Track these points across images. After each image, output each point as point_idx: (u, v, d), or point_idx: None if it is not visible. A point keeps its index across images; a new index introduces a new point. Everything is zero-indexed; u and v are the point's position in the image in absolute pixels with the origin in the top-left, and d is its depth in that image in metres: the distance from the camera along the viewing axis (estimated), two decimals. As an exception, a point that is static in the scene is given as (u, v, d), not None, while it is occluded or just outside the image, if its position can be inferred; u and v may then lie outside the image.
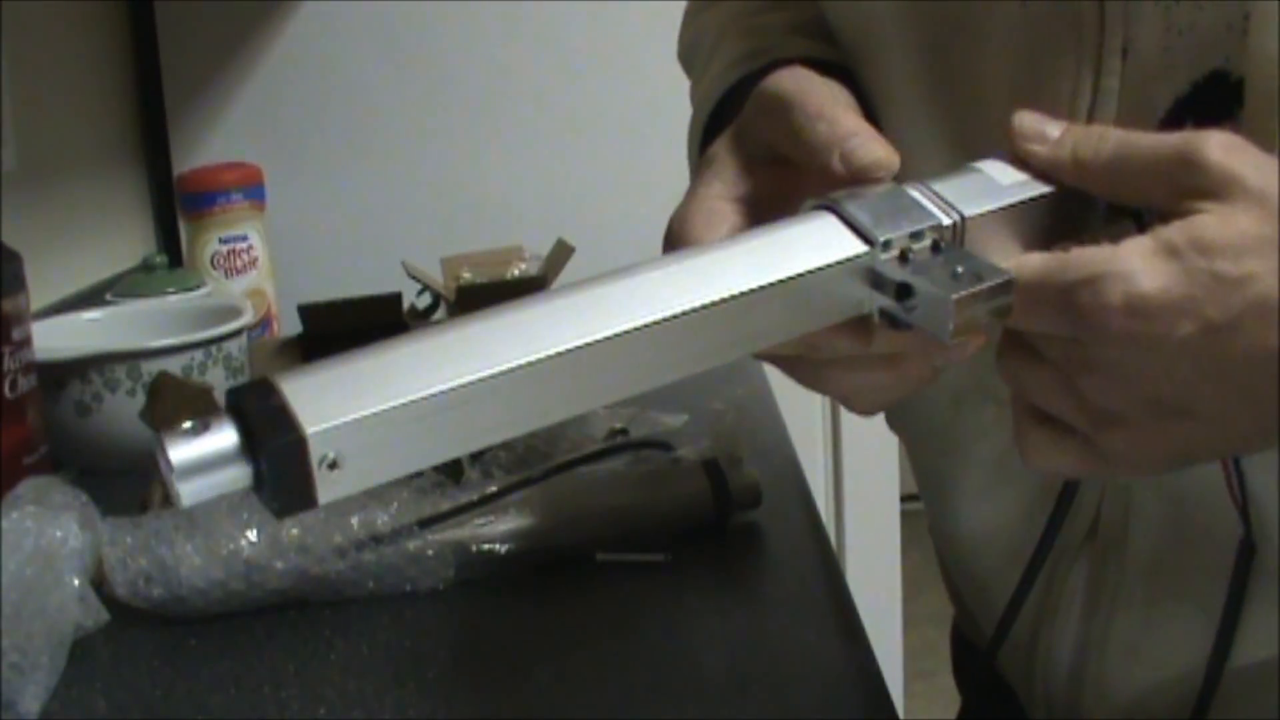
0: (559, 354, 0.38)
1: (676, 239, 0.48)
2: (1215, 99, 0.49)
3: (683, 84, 0.73)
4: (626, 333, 0.39)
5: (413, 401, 0.36)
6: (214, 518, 0.71)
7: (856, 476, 1.83)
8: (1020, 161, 0.45)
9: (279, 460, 0.35)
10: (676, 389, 0.41)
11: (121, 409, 0.97)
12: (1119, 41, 0.51)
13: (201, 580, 0.70)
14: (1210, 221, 0.40)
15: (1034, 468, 0.45)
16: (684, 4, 0.75)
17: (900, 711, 0.63)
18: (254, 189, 1.47)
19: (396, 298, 1.20)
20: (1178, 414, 0.42)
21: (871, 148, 0.45)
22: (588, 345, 0.38)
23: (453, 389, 0.37)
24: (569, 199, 1.66)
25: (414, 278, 1.28)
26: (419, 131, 1.66)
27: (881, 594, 1.84)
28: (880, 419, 0.64)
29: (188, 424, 0.35)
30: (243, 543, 0.71)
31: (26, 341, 0.88)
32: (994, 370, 0.58)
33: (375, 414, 0.36)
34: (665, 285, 0.40)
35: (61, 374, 0.97)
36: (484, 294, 1.19)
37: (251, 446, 0.35)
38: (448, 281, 1.27)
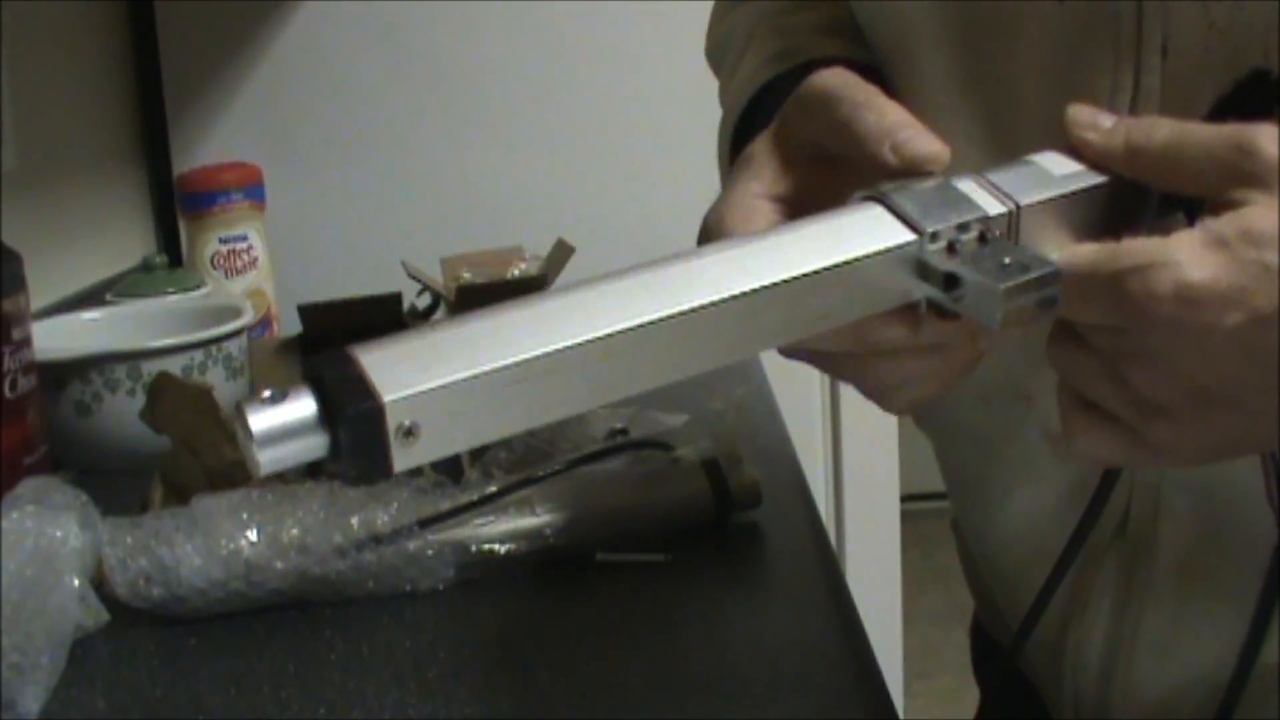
0: (628, 330, 0.39)
1: (714, 236, 0.48)
2: (1257, 97, 0.49)
3: (684, 83, 0.73)
4: (694, 310, 0.40)
5: (489, 372, 0.37)
6: (214, 518, 0.71)
7: (856, 476, 1.83)
8: (1073, 153, 0.46)
9: (356, 428, 0.36)
10: (676, 389, 0.41)
11: (121, 409, 0.97)
12: (1158, 39, 0.51)
13: (201, 580, 0.70)
14: (1259, 213, 0.40)
15: (1079, 455, 0.46)
16: (686, 4, 0.75)
17: (900, 711, 0.63)
18: (254, 189, 1.47)
19: (396, 298, 1.20)
20: (1224, 405, 0.42)
21: (925, 140, 0.45)
22: (654, 323, 0.39)
23: (529, 360, 0.38)
24: (569, 199, 1.66)
25: (414, 278, 1.28)
26: (419, 131, 1.66)
27: (881, 594, 1.84)
28: (882, 421, 0.64)
29: (267, 392, 0.36)
30: (243, 543, 0.71)
31: (26, 341, 0.88)
32: (1023, 369, 0.58)
33: (452, 383, 0.37)
34: (727, 267, 0.41)
35: (61, 374, 0.97)
36: (484, 294, 1.19)
37: (329, 415, 0.36)
38: (448, 281, 1.27)
